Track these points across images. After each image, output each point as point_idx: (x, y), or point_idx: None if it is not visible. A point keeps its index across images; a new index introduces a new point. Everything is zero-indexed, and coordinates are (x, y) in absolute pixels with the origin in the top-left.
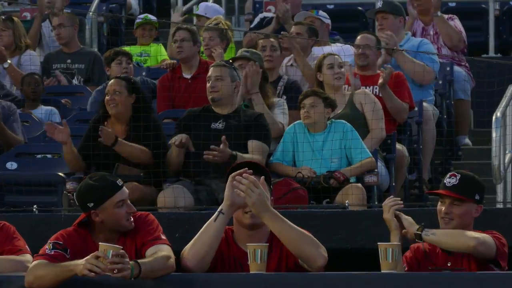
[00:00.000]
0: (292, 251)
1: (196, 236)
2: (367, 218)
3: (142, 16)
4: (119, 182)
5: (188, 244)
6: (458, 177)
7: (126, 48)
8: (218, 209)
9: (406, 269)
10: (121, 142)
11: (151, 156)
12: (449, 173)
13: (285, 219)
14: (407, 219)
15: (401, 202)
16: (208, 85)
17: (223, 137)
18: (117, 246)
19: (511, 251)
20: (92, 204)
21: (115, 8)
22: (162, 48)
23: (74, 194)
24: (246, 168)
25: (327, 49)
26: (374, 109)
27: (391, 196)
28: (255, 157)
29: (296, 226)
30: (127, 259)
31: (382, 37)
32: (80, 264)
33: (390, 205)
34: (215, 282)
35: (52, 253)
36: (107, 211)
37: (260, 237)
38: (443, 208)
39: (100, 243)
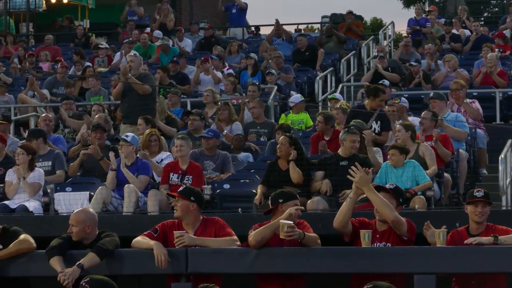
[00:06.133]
0: (380, 212)
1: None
2: (427, 215)
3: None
4: (295, 193)
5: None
6: (482, 191)
7: (295, 117)
8: (349, 195)
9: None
10: (294, 165)
11: (302, 177)
12: (475, 189)
13: (377, 193)
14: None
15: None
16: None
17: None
18: (290, 222)
19: None
20: (281, 201)
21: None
22: (308, 117)
23: (270, 197)
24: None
25: (411, 119)
26: (430, 155)
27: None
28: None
29: (383, 198)
30: (297, 229)
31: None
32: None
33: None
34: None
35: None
36: (287, 206)
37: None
38: (478, 208)
39: (281, 221)
